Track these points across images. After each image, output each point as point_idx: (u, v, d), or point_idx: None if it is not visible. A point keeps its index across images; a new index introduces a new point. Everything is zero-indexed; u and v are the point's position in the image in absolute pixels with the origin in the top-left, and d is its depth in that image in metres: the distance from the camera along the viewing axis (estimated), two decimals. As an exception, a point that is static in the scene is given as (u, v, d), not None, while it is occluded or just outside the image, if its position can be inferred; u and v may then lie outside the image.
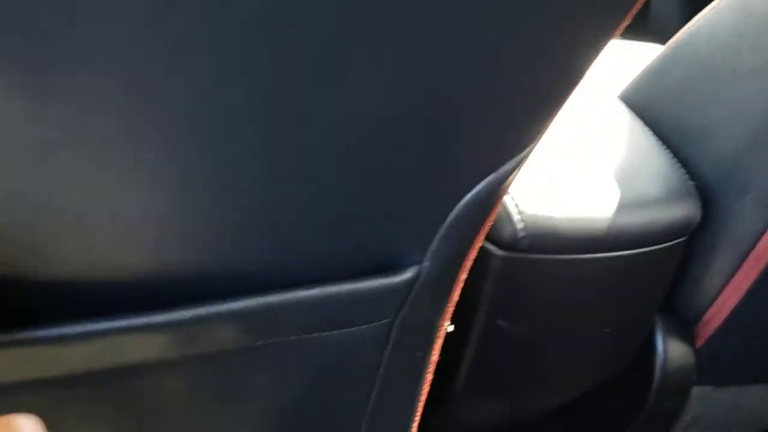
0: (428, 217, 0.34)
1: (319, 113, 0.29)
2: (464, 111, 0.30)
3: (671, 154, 0.60)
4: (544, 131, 0.34)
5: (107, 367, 0.34)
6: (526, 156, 0.34)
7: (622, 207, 0.54)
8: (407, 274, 0.36)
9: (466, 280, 0.42)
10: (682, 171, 0.59)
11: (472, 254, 0.39)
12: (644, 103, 0.65)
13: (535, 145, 0.35)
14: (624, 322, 0.62)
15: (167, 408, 0.38)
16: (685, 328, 0.64)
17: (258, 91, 0.27)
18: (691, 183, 0.58)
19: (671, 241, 0.57)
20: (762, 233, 0.58)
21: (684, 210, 0.57)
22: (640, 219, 0.56)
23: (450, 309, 0.41)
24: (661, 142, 0.62)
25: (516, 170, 0.34)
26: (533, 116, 0.32)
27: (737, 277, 0.60)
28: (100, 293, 0.33)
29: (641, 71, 0.68)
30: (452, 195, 0.33)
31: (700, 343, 0.65)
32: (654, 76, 0.65)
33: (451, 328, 0.44)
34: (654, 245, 0.56)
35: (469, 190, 0.33)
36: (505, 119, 0.32)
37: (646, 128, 0.62)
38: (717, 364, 0.67)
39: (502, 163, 0.33)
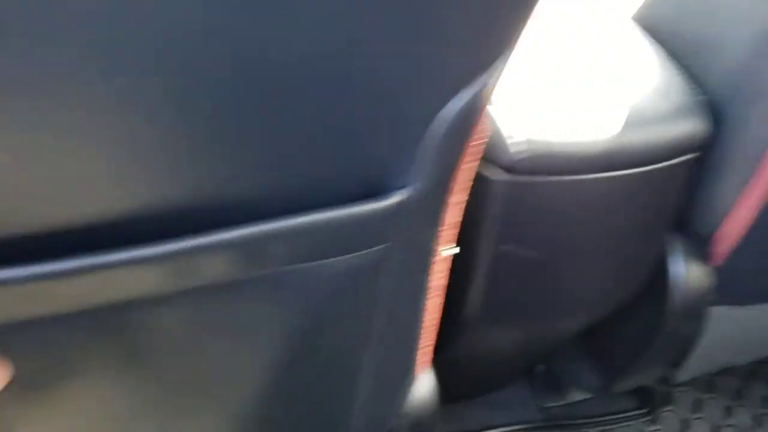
0: (408, 133, 0.33)
1: (293, 28, 0.28)
2: (434, 18, 0.29)
3: (681, 70, 0.58)
4: (515, 39, 0.33)
5: (101, 303, 0.35)
6: (501, 67, 0.33)
7: (626, 124, 0.53)
8: (395, 198, 0.36)
9: (469, 206, 0.42)
10: (691, 86, 0.57)
11: (462, 174, 0.39)
12: (656, 21, 0.63)
13: (508, 55, 0.34)
14: (634, 243, 0.61)
15: (165, 344, 0.38)
16: (699, 247, 0.63)
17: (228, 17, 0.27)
18: (701, 97, 0.57)
19: (678, 157, 0.56)
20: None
21: (691, 125, 0.55)
22: (645, 136, 0.54)
23: (444, 231, 0.41)
24: (671, 59, 0.60)
25: (492, 82, 0.33)
26: (502, 22, 0.31)
27: (750, 192, 0.59)
28: (90, 231, 0.34)
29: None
30: (429, 108, 0.33)
31: (716, 262, 0.64)
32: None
33: (456, 250, 0.44)
34: (660, 162, 0.55)
35: (445, 104, 0.32)
36: (474, 25, 0.31)
37: (656, 46, 0.60)
38: (734, 282, 0.67)
39: (477, 74, 0.32)
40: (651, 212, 0.59)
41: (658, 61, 0.59)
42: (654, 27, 0.63)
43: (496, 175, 0.53)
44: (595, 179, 0.53)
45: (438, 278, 0.46)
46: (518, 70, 0.57)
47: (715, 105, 0.58)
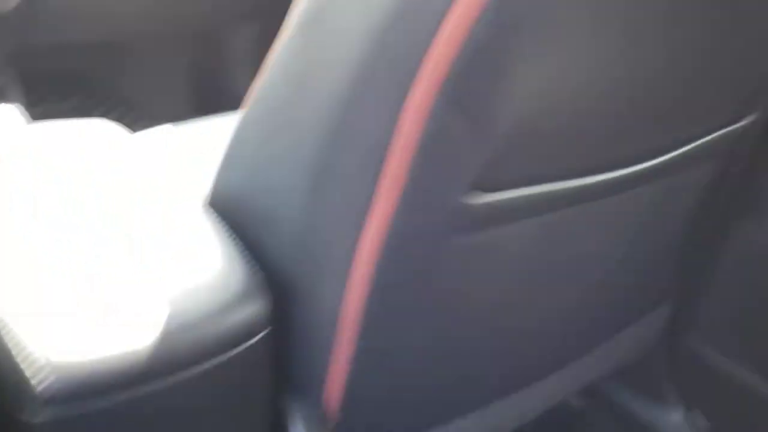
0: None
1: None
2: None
3: (245, 250, 0.57)
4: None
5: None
6: None
7: (169, 327, 0.51)
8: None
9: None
10: (253, 264, 0.56)
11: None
12: (226, 202, 0.62)
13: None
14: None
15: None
16: (316, 410, 0.62)
17: None
18: (262, 274, 0.56)
19: (245, 342, 0.54)
20: (342, 300, 0.56)
21: (251, 307, 0.54)
22: (198, 331, 0.52)
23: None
24: (236, 239, 0.59)
25: None
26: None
27: (339, 350, 0.59)
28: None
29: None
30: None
31: (334, 421, 0.63)
32: (225, 163, 0.62)
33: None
34: (225, 353, 0.53)
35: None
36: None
37: (221, 228, 0.59)
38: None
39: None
40: (227, 408, 0.57)
41: (219, 244, 0.58)
42: (224, 208, 0.62)
43: (27, 416, 0.48)
44: (151, 392, 0.50)
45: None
46: (29, 268, 0.52)
47: (280, 277, 0.58)
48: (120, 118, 1.43)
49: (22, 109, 1.04)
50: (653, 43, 0.52)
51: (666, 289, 0.89)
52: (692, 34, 0.54)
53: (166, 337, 0.50)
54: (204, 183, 0.65)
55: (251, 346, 0.54)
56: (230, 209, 0.60)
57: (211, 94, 1.46)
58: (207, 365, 0.52)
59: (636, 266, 0.78)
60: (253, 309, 0.54)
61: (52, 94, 1.36)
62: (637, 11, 0.48)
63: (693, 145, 0.65)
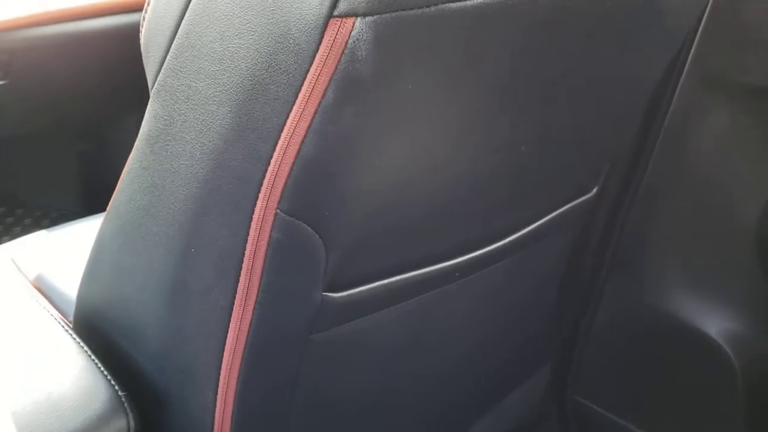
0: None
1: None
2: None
3: (104, 366, 0.57)
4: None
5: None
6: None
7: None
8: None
9: None
10: (110, 383, 0.56)
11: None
12: (87, 310, 0.62)
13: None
14: None
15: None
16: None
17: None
18: (121, 391, 0.56)
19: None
20: (212, 407, 0.57)
21: (108, 429, 0.54)
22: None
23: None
24: (95, 356, 0.58)
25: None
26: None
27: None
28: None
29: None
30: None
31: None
32: (87, 275, 0.62)
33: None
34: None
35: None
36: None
37: (78, 347, 0.59)
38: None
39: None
40: None
41: (81, 362, 0.58)
42: (89, 321, 0.62)
43: None
44: None
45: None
46: None
47: (149, 389, 0.58)
48: (5, 216, 1.40)
49: None
50: (495, 129, 0.55)
51: (546, 351, 0.92)
52: (535, 118, 0.58)
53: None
54: (71, 295, 0.65)
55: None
56: (95, 322, 0.60)
57: (99, 188, 1.45)
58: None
59: (511, 333, 0.81)
60: (117, 426, 0.54)
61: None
62: (479, 101, 0.52)
63: (545, 219, 0.70)
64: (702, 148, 0.85)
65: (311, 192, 0.48)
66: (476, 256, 0.64)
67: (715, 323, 0.88)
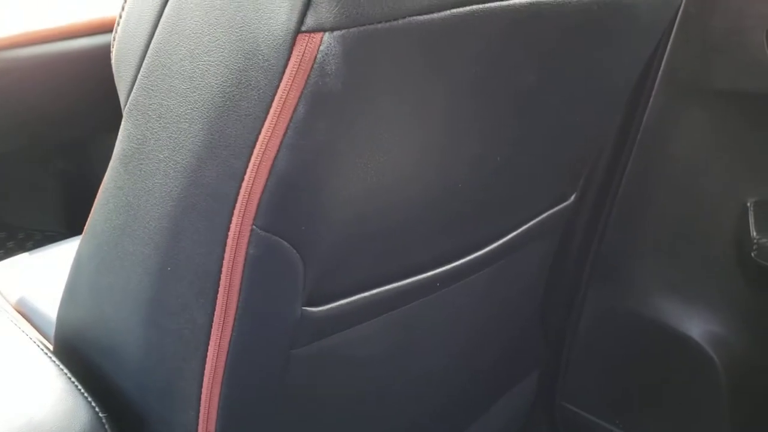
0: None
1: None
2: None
3: (84, 387, 0.57)
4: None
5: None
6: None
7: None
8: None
9: None
10: (90, 404, 0.56)
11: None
12: (67, 332, 0.61)
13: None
14: None
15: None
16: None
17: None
18: (102, 415, 0.56)
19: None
20: (195, 424, 0.56)
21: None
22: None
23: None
24: (74, 377, 0.58)
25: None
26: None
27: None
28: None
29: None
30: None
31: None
32: (66, 296, 0.62)
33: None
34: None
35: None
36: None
37: (58, 370, 0.58)
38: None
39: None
40: None
41: (60, 385, 0.57)
42: (69, 342, 0.61)
43: None
44: None
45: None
46: None
47: (130, 408, 0.58)
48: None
49: None
50: (468, 139, 0.56)
51: (532, 358, 0.92)
52: (509, 127, 0.58)
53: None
54: (54, 317, 0.64)
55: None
56: (75, 344, 0.60)
57: (82, 208, 1.45)
58: None
59: (495, 340, 0.81)
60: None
61: None
62: (450, 112, 0.52)
63: (524, 227, 0.70)
64: (678, 153, 0.86)
65: (286, 207, 0.48)
66: (456, 266, 0.64)
67: (697, 325, 0.89)
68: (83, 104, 1.18)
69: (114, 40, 0.52)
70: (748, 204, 0.83)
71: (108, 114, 1.36)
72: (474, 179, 0.59)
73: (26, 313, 0.77)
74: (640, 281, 0.91)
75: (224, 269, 0.49)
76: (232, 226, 0.48)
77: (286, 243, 0.49)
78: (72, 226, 1.40)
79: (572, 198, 0.77)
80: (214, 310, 0.51)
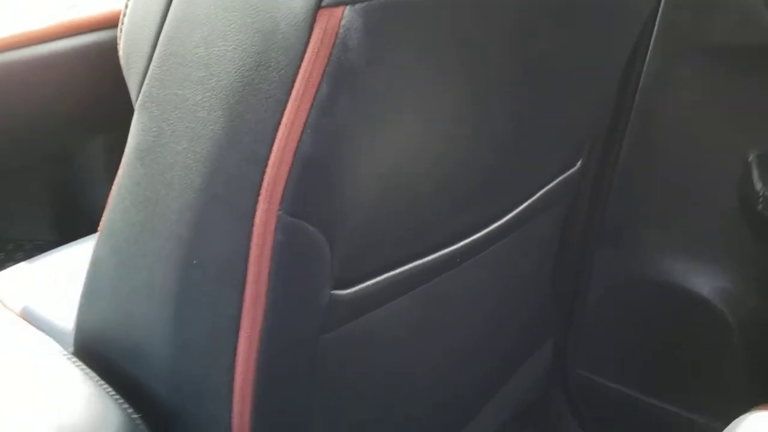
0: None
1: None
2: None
3: (113, 391, 0.56)
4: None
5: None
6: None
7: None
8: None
9: None
10: (122, 408, 0.55)
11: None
12: (88, 336, 0.60)
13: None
14: None
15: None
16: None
17: None
18: (135, 416, 0.55)
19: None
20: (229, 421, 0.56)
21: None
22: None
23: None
24: (102, 382, 0.57)
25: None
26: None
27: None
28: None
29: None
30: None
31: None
32: (85, 299, 0.61)
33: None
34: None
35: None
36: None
37: (84, 374, 0.57)
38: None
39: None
40: None
41: (89, 390, 0.56)
42: (91, 346, 0.60)
43: None
44: None
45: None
46: None
47: (161, 409, 0.57)
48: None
49: None
50: (487, 111, 0.55)
51: (547, 327, 0.93)
52: (521, 97, 0.58)
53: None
54: (67, 323, 0.63)
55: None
56: (96, 348, 0.59)
57: (70, 215, 1.42)
58: None
59: (513, 312, 0.81)
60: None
61: None
62: (469, 83, 0.51)
63: (536, 196, 0.70)
64: (677, 112, 0.86)
65: (312, 190, 0.47)
66: (474, 240, 0.64)
67: (707, 283, 0.89)
68: (67, 109, 1.16)
69: (120, 32, 0.50)
70: (750, 158, 0.84)
71: (94, 119, 1.34)
72: (490, 151, 0.59)
73: (32, 323, 0.75)
74: (647, 244, 0.91)
75: (251, 258, 0.48)
76: (258, 214, 0.47)
77: (311, 227, 0.49)
78: (63, 234, 1.38)
79: (579, 164, 0.77)
80: (243, 301, 0.50)
